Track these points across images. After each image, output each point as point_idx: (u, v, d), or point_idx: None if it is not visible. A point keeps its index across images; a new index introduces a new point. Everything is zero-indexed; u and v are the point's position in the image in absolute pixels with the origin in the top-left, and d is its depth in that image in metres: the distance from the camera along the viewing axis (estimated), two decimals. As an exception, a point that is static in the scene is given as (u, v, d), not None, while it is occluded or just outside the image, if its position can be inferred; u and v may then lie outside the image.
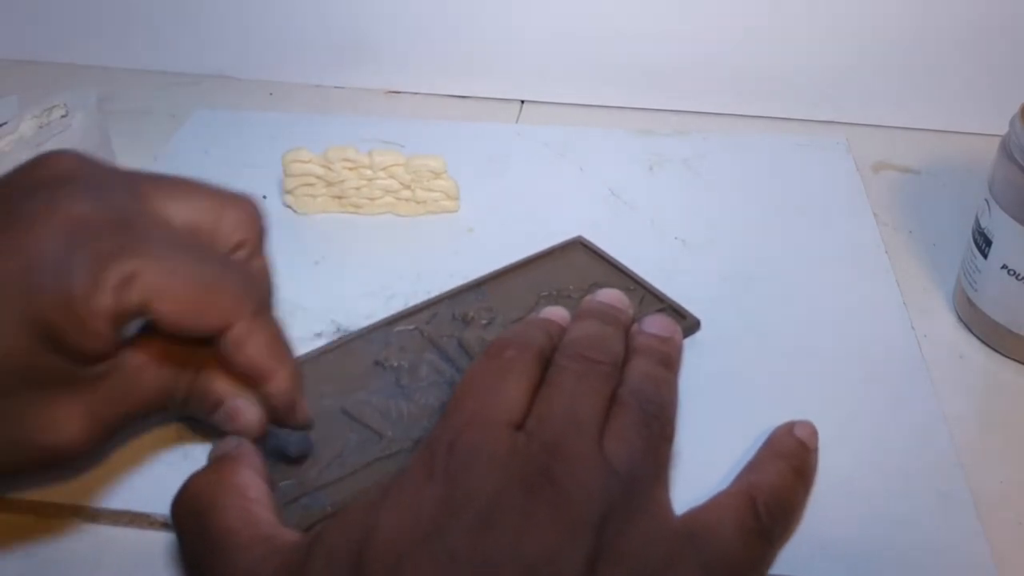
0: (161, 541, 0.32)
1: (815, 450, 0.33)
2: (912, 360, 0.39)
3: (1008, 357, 0.39)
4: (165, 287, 0.27)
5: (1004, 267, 0.37)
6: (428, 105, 0.59)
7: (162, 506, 0.32)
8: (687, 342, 0.39)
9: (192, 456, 0.34)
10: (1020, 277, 0.37)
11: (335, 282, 0.43)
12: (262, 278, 0.32)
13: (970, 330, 0.41)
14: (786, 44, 0.55)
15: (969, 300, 0.40)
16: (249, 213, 0.32)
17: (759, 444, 0.34)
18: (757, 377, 0.38)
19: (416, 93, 0.60)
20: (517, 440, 0.27)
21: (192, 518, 0.28)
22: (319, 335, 0.40)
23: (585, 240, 0.44)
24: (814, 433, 0.33)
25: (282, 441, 0.33)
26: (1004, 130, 0.38)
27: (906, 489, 0.33)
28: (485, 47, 0.58)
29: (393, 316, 0.40)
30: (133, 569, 0.31)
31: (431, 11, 0.57)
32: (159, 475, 0.33)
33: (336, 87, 0.61)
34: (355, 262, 0.44)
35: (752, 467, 0.32)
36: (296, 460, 0.33)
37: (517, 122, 0.57)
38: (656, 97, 0.58)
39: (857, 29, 0.54)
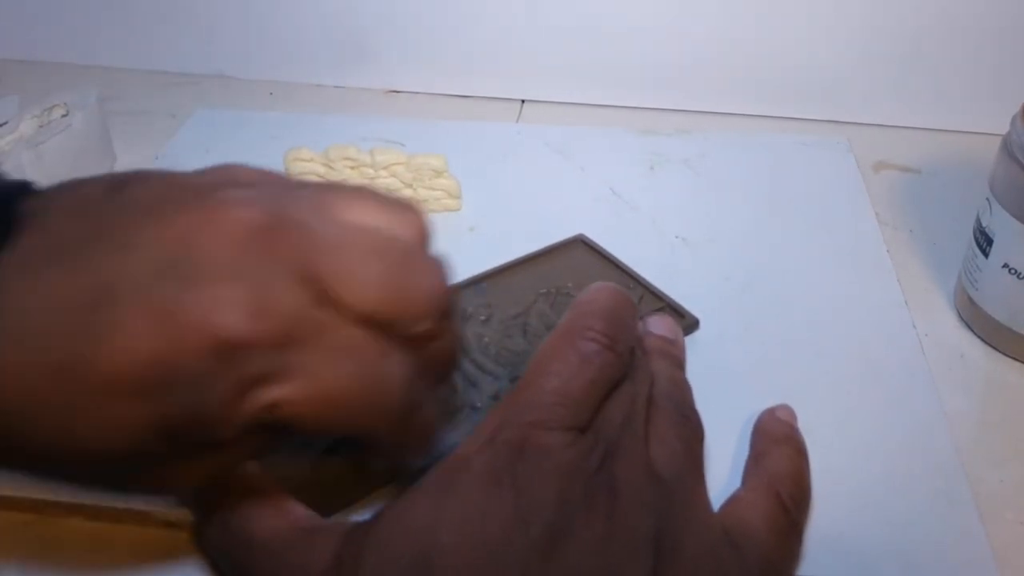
0: (162, 540, 0.32)
1: (799, 429, 0.33)
2: (913, 359, 0.39)
3: (1009, 356, 0.39)
4: (309, 411, 0.23)
5: (1005, 266, 0.37)
6: (429, 105, 0.59)
7: (163, 504, 0.32)
8: (689, 340, 0.39)
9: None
10: (1021, 276, 0.37)
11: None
12: (437, 363, 0.27)
13: (971, 329, 0.41)
14: (787, 44, 0.55)
15: (970, 299, 0.40)
16: (432, 288, 0.26)
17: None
18: (758, 376, 0.38)
19: (417, 93, 0.60)
20: (582, 449, 0.26)
21: (224, 535, 0.25)
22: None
23: (586, 238, 0.44)
24: (794, 414, 0.34)
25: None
26: (1005, 129, 0.38)
27: (906, 488, 0.33)
28: (486, 47, 0.58)
29: None
30: (134, 568, 0.31)
31: (431, 11, 0.57)
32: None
33: (337, 87, 0.61)
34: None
35: (759, 459, 0.32)
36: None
37: (518, 121, 0.57)
38: (657, 96, 0.58)
39: (858, 29, 0.54)
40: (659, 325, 0.33)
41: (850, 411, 0.36)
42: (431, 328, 0.25)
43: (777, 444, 0.32)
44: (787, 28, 0.54)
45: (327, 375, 0.23)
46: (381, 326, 0.24)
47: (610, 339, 0.28)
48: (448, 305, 0.26)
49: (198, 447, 0.23)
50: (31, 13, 0.62)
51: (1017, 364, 0.39)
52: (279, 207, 0.23)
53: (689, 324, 0.39)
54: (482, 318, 0.39)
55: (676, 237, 0.46)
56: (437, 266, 0.26)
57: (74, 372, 0.21)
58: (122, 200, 0.23)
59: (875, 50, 0.54)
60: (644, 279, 0.42)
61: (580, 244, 0.44)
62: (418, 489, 0.25)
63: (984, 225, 0.38)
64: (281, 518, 0.25)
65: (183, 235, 0.22)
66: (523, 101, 0.59)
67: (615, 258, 0.43)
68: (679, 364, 0.32)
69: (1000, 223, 0.37)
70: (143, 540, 0.32)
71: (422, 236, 0.27)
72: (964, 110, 0.55)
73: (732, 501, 0.29)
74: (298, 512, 0.26)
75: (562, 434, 0.26)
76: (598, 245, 0.44)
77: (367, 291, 0.23)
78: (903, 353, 0.39)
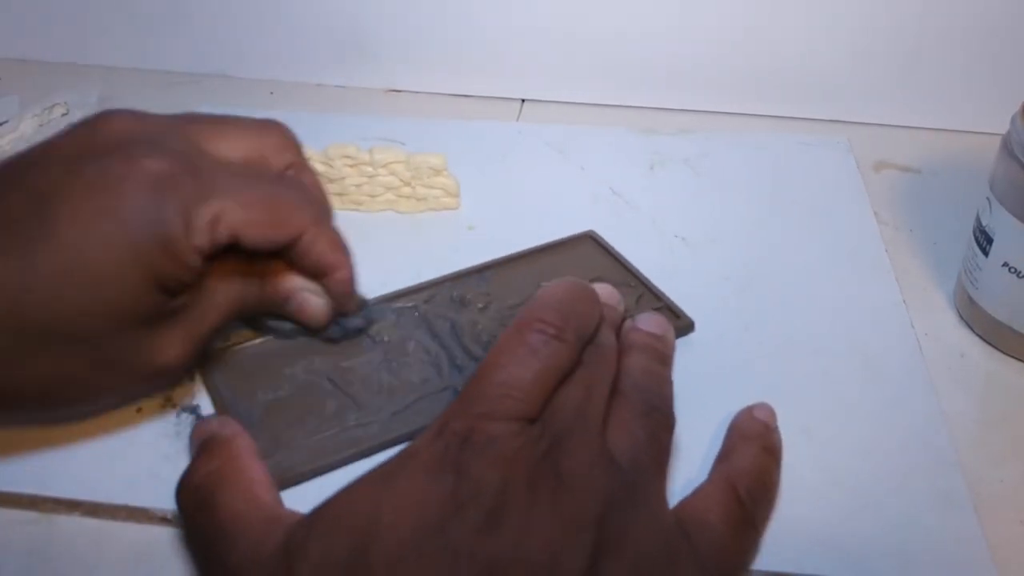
0: (160, 536, 0.32)
1: (776, 429, 0.33)
2: (912, 358, 0.39)
3: (1009, 355, 0.39)
4: (247, 218, 0.31)
5: (1005, 265, 0.37)
6: (429, 104, 0.59)
7: (161, 500, 0.32)
8: (687, 340, 0.39)
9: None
10: (1021, 275, 0.37)
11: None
12: (316, 189, 0.36)
13: (971, 328, 0.41)
14: (787, 43, 0.55)
15: (970, 298, 0.40)
16: (283, 135, 0.35)
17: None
18: (757, 375, 0.38)
19: (417, 92, 0.60)
20: (529, 437, 0.27)
21: (198, 505, 0.28)
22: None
23: (595, 235, 0.44)
24: (773, 413, 0.33)
25: (341, 323, 0.37)
26: (1005, 128, 0.38)
27: (905, 487, 0.33)
28: (486, 46, 0.58)
29: (394, 292, 0.41)
30: (133, 564, 0.31)
31: (432, 10, 0.57)
32: (158, 470, 0.33)
33: (337, 86, 0.61)
34: (356, 259, 0.44)
35: (725, 455, 0.32)
36: (355, 335, 0.38)
37: (518, 120, 0.57)
38: (657, 96, 0.58)
39: (858, 29, 0.54)
40: (647, 322, 0.34)
41: (849, 411, 0.36)
42: (293, 160, 0.35)
43: (746, 441, 0.32)
44: (787, 28, 0.54)
45: (242, 188, 0.31)
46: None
47: (558, 329, 0.29)
48: (298, 145, 0.36)
49: (183, 288, 0.30)
50: (31, 13, 0.62)
51: (1017, 363, 0.39)
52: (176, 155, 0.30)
53: (684, 325, 0.39)
54: (480, 306, 0.40)
55: (676, 237, 0.46)
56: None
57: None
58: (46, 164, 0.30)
59: (875, 50, 0.54)
60: (646, 278, 0.42)
61: (589, 240, 0.44)
62: (365, 477, 0.27)
63: (984, 224, 0.38)
64: (247, 503, 0.28)
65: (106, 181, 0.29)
66: (523, 100, 0.59)
67: (622, 257, 0.43)
68: (662, 359, 0.33)
69: (1000, 222, 0.37)
70: (142, 537, 0.32)
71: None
72: (964, 110, 0.55)
73: (691, 494, 0.30)
74: (264, 499, 0.28)
75: (508, 423, 0.27)
76: (607, 243, 0.44)
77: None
78: (902, 353, 0.39)
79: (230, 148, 0.33)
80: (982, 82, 0.54)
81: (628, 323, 0.34)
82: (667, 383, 0.32)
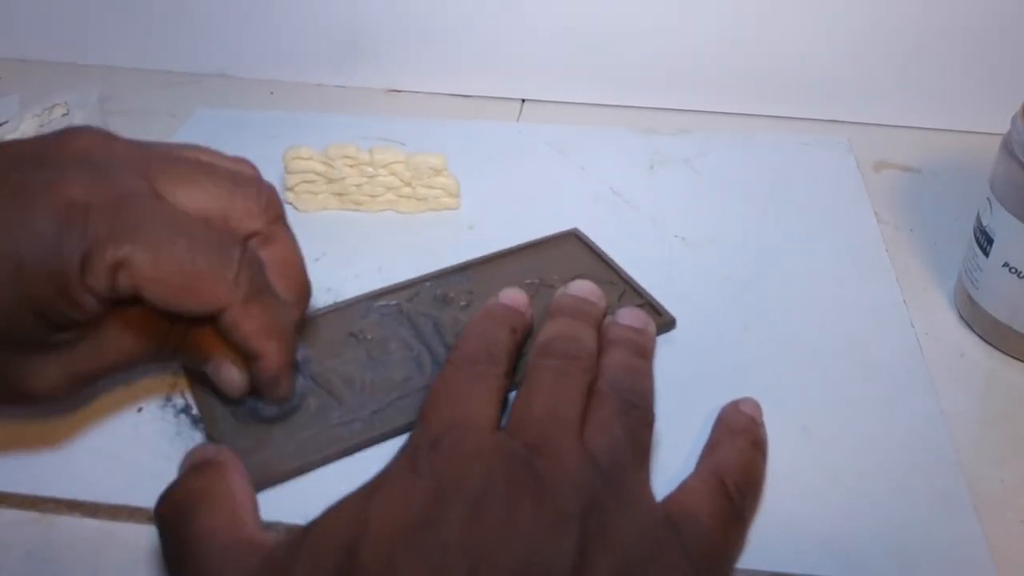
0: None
1: (762, 423, 0.33)
2: (912, 358, 0.39)
3: (1009, 355, 0.39)
4: (155, 275, 0.28)
5: (1006, 265, 0.37)
6: (429, 104, 0.59)
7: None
8: (687, 340, 0.39)
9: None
10: (1022, 275, 0.37)
11: (336, 279, 0.43)
12: (282, 263, 0.33)
13: (971, 328, 0.41)
14: (787, 43, 0.55)
15: (970, 298, 0.40)
16: (259, 201, 0.32)
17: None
18: (757, 375, 0.38)
19: (417, 92, 0.60)
20: (500, 439, 0.28)
21: (176, 518, 0.27)
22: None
23: (580, 233, 0.44)
24: (758, 407, 0.34)
25: (259, 405, 0.34)
26: (1005, 128, 0.38)
27: (905, 487, 0.33)
28: (486, 46, 0.58)
29: (377, 291, 0.41)
30: (133, 564, 0.31)
31: (432, 10, 0.57)
32: (158, 470, 0.33)
33: (337, 86, 0.61)
34: (356, 259, 0.44)
35: (712, 448, 0.32)
36: (268, 422, 0.34)
37: (518, 120, 0.57)
38: (657, 96, 0.58)
39: (858, 28, 0.54)
40: (626, 316, 0.35)
41: (849, 410, 0.36)
42: (260, 228, 0.32)
43: (732, 435, 0.32)
44: (787, 28, 0.54)
45: (164, 240, 0.28)
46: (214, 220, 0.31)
47: (493, 355, 0.31)
48: (277, 211, 0.33)
49: (72, 324, 0.28)
50: (31, 13, 0.62)
51: (1017, 363, 0.39)
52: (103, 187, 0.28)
53: (665, 322, 0.39)
54: (462, 303, 0.40)
55: (676, 236, 0.46)
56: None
57: None
58: None
59: (875, 50, 0.54)
60: (629, 276, 0.42)
61: (573, 238, 0.44)
62: (345, 498, 0.26)
63: (984, 224, 0.38)
64: (226, 522, 0.27)
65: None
66: (523, 100, 0.59)
67: (605, 254, 0.43)
68: (642, 352, 0.33)
69: (1000, 222, 0.37)
70: (142, 538, 0.32)
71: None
72: (964, 110, 0.55)
73: (678, 488, 0.30)
74: (244, 521, 0.27)
75: (474, 429, 0.28)
76: (591, 240, 0.44)
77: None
78: (903, 352, 0.39)
79: (189, 198, 0.30)
80: (982, 82, 0.54)
81: (608, 319, 0.35)
82: (647, 377, 0.32)
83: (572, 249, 0.44)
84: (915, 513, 0.32)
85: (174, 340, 0.32)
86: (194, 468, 0.29)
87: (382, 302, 0.40)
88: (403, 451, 0.28)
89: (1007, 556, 0.31)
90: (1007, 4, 0.52)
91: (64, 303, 0.28)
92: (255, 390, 0.33)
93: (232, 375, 0.33)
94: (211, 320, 0.30)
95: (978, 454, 0.35)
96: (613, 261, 0.43)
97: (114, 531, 0.32)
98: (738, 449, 0.32)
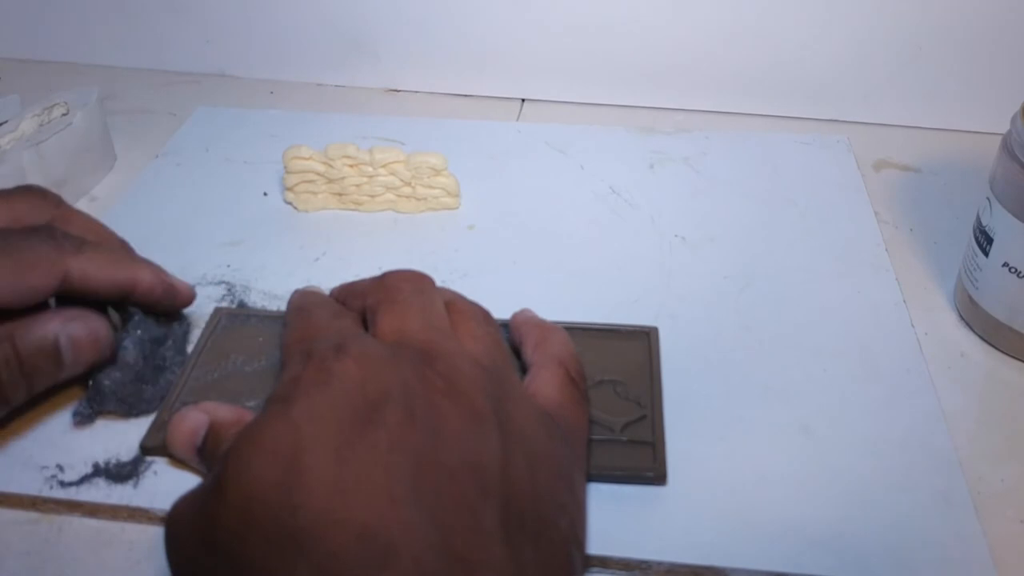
0: (160, 536, 0.32)
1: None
2: (912, 358, 0.39)
3: (1009, 355, 0.39)
4: None
5: (1005, 265, 0.37)
6: (429, 104, 0.59)
7: (160, 501, 0.32)
8: (687, 339, 0.39)
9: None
10: (1021, 275, 0.37)
11: (335, 279, 0.42)
12: (86, 229, 0.35)
13: (971, 328, 0.41)
14: (787, 43, 0.55)
15: (970, 298, 0.40)
16: (37, 197, 0.35)
17: (761, 442, 0.34)
18: (757, 374, 0.38)
19: (417, 92, 0.60)
20: (395, 346, 0.29)
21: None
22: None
23: (654, 336, 0.39)
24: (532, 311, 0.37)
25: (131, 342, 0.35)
26: (1005, 128, 0.38)
27: (905, 486, 0.33)
28: (486, 46, 0.58)
29: None
30: (133, 564, 0.31)
31: (432, 10, 0.57)
32: (158, 469, 0.33)
33: (337, 86, 0.61)
34: (355, 259, 0.44)
35: (541, 344, 0.34)
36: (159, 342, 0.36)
37: (518, 120, 0.57)
38: (657, 95, 0.58)
39: (858, 28, 0.54)
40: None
41: (849, 410, 0.36)
42: (54, 214, 0.34)
43: (550, 332, 0.35)
44: (787, 27, 0.54)
45: None
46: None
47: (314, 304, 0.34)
48: (57, 199, 0.35)
49: None
50: (31, 13, 0.62)
51: (1017, 363, 0.39)
52: None
53: (656, 476, 0.33)
54: None
55: (675, 236, 0.46)
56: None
57: None
58: None
59: (875, 50, 0.54)
60: (661, 406, 0.35)
61: (644, 337, 0.39)
62: (260, 415, 0.26)
63: (984, 224, 0.38)
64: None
65: None
66: (523, 100, 0.59)
67: (658, 371, 0.37)
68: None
69: (1000, 222, 0.37)
70: (142, 537, 0.32)
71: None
72: (964, 109, 0.55)
73: (532, 381, 0.32)
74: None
75: (365, 339, 0.29)
76: (657, 349, 0.38)
77: None
78: (902, 352, 0.39)
79: None
80: (982, 82, 0.54)
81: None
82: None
83: (637, 347, 0.38)
84: (915, 512, 0.32)
85: (8, 353, 0.31)
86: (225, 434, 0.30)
87: None
88: (301, 360, 0.27)
89: (1007, 555, 0.31)
90: (1007, 4, 0.52)
91: None
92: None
93: (87, 331, 0.33)
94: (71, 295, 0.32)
95: (978, 454, 0.35)
96: (659, 381, 0.37)
97: (114, 531, 0.32)
98: (563, 342, 0.34)
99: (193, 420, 0.31)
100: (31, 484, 0.33)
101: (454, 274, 0.43)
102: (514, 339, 0.36)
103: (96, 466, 0.33)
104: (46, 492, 0.33)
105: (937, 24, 0.53)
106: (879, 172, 0.52)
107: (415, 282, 0.33)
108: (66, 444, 0.34)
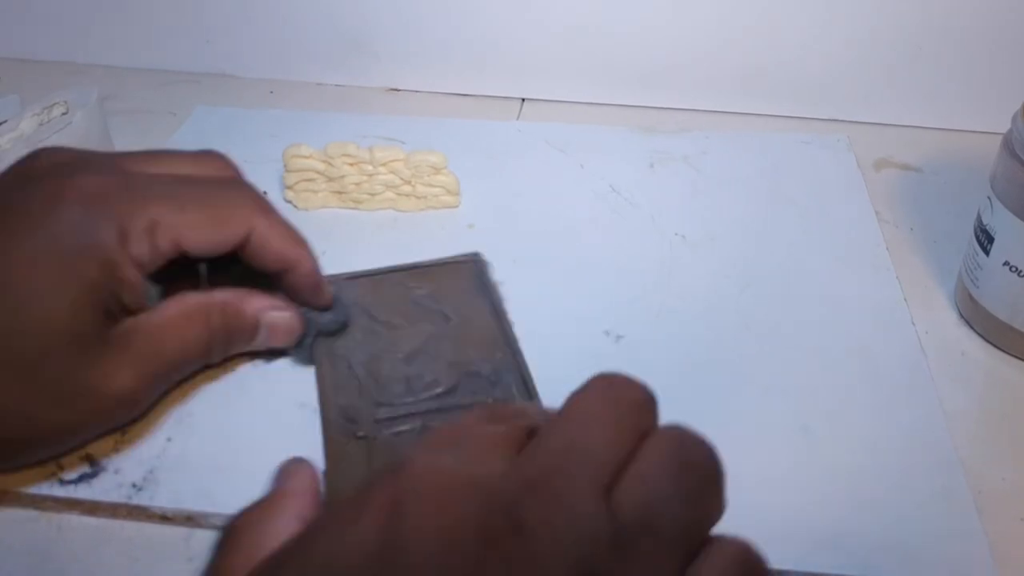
0: (159, 534, 0.32)
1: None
2: (913, 357, 0.39)
3: (1010, 354, 0.39)
4: (185, 219, 0.31)
5: (1006, 263, 0.37)
6: (429, 103, 0.59)
7: (160, 500, 0.32)
8: (685, 338, 0.39)
9: (189, 448, 0.34)
10: (1022, 274, 0.37)
11: (335, 279, 0.43)
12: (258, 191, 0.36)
13: (971, 327, 0.41)
14: (788, 42, 0.55)
15: (971, 297, 0.40)
16: (220, 159, 0.36)
17: (761, 442, 0.34)
18: (757, 374, 0.38)
19: (417, 91, 0.60)
20: (489, 473, 0.21)
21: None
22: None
23: (480, 261, 0.42)
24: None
25: (320, 323, 0.37)
26: (1006, 127, 0.38)
27: (906, 486, 0.33)
28: (486, 45, 0.58)
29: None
30: (133, 564, 0.31)
31: (432, 9, 0.57)
32: (154, 469, 0.33)
33: (337, 85, 0.61)
34: (356, 257, 0.44)
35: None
36: (334, 334, 0.38)
37: (518, 119, 0.57)
38: (657, 95, 0.58)
39: (858, 28, 0.54)
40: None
41: (850, 409, 0.36)
42: (233, 177, 0.35)
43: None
44: (787, 27, 0.54)
45: (180, 194, 0.31)
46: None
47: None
48: (235, 170, 0.36)
49: (125, 310, 0.30)
50: (31, 13, 0.62)
51: (1018, 362, 0.39)
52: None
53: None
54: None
55: (676, 235, 0.46)
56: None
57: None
58: None
59: (875, 49, 0.54)
60: (517, 343, 0.38)
61: (471, 266, 0.42)
62: (285, 544, 0.23)
63: (985, 223, 0.38)
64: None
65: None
66: (523, 100, 0.59)
67: (501, 305, 0.40)
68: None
69: (1001, 221, 0.37)
70: (141, 535, 0.32)
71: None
72: (965, 108, 0.55)
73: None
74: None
75: (466, 463, 0.21)
76: (490, 277, 0.42)
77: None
78: (903, 351, 0.39)
79: (163, 169, 0.33)
80: (982, 81, 0.54)
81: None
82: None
83: (466, 283, 0.41)
84: (916, 511, 0.32)
85: (219, 323, 0.34)
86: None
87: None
88: (378, 476, 0.22)
89: (1008, 554, 0.31)
90: (1007, 4, 0.51)
91: (113, 283, 0.30)
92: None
93: (284, 318, 0.35)
94: (242, 253, 0.33)
95: (978, 453, 0.35)
96: (507, 316, 0.39)
97: (114, 530, 0.32)
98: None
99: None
100: (31, 482, 0.33)
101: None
102: None
103: (95, 464, 0.33)
104: (46, 490, 0.32)
105: (937, 24, 0.53)
106: (879, 172, 0.52)
107: (620, 394, 0.22)
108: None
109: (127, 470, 0.33)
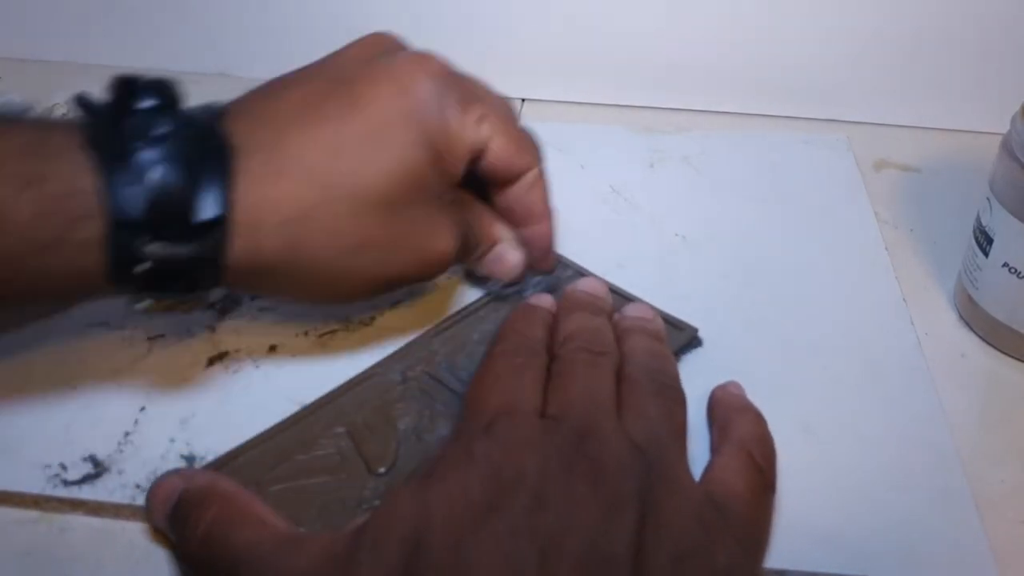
0: (162, 534, 0.32)
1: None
2: (913, 358, 0.39)
3: (1009, 355, 0.39)
4: (502, 128, 0.35)
5: (1005, 265, 0.37)
6: (429, 103, 0.59)
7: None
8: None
9: (192, 449, 0.34)
10: (1021, 275, 0.37)
11: (336, 279, 0.43)
12: None
13: (971, 328, 0.41)
14: (787, 42, 0.55)
15: (970, 298, 0.40)
16: (389, 37, 0.39)
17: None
18: (757, 374, 0.38)
19: (417, 91, 0.60)
20: (548, 424, 0.28)
21: (212, 554, 0.27)
22: (325, 333, 0.39)
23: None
24: (742, 388, 0.35)
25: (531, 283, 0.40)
26: (1005, 128, 0.38)
27: (906, 487, 0.33)
28: (486, 46, 0.58)
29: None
30: (133, 564, 0.31)
31: (431, 9, 0.57)
32: (158, 469, 0.33)
33: (337, 85, 0.61)
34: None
35: (726, 427, 0.33)
36: (503, 299, 0.40)
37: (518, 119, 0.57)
38: (657, 95, 0.58)
39: (858, 28, 0.54)
40: (634, 310, 0.37)
41: (850, 410, 0.36)
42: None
43: (739, 412, 0.33)
44: (787, 27, 0.54)
45: (502, 107, 0.36)
46: None
47: (533, 348, 0.33)
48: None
49: (448, 180, 0.34)
50: (31, 13, 0.62)
51: (1017, 363, 0.39)
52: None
53: (689, 337, 0.39)
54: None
55: (676, 235, 0.46)
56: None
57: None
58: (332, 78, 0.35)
59: (875, 49, 0.54)
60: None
61: None
62: (397, 491, 0.27)
63: (984, 224, 0.38)
64: (263, 529, 0.27)
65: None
66: (523, 100, 0.59)
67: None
68: (657, 336, 0.35)
69: (1000, 222, 0.37)
70: (142, 537, 0.32)
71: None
72: (964, 109, 0.55)
73: (709, 469, 0.30)
74: (279, 524, 0.28)
75: (522, 416, 0.29)
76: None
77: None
78: (903, 352, 0.39)
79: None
80: (982, 82, 0.54)
81: (616, 315, 0.36)
82: (669, 360, 0.34)
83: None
84: (916, 512, 0.32)
85: (471, 231, 0.37)
86: (187, 505, 0.29)
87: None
88: (454, 438, 0.29)
89: (1008, 555, 0.31)
90: (1007, 4, 0.52)
91: (450, 152, 0.33)
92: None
93: (515, 256, 0.38)
94: (505, 187, 0.37)
95: (978, 454, 0.35)
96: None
97: (114, 531, 0.32)
98: (752, 423, 0.32)
99: (168, 487, 0.30)
100: (33, 483, 0.33)
101: (454, 274, 0.43)
102: (709, 418, 0.35)
103: (99, 464, 0.33)
104: (48, 491, 0.33)
105: (937, 24, 0.53)
106: (879, 172, 0.52)
107: (595, 348, 0.33)
108: (68, 443, 0.34)
109: (130, 471, 0.33)
